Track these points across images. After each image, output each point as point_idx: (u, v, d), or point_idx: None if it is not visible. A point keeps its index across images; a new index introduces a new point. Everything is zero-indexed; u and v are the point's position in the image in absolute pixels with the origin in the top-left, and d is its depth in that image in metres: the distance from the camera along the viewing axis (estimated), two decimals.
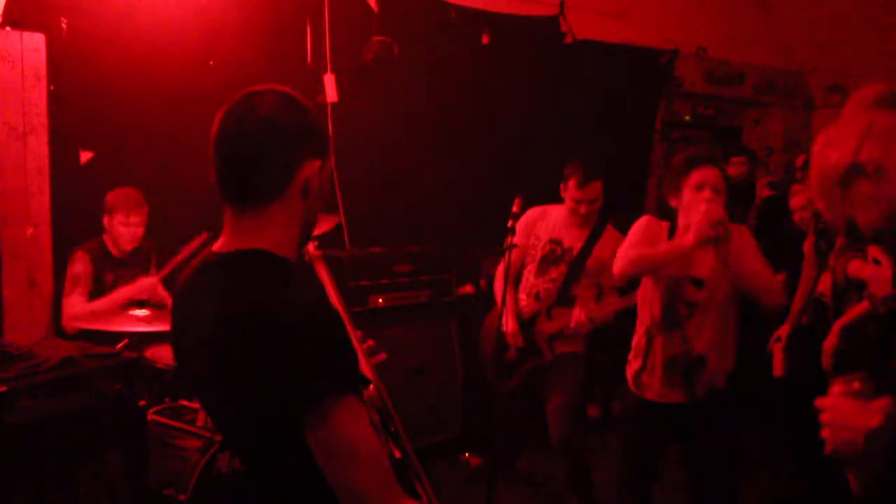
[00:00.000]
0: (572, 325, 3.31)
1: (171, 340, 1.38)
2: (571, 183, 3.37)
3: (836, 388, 1.20)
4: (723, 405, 2.65)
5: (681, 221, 2.59)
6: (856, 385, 1.19)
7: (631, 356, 2.77)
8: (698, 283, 2.56)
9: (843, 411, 1.18)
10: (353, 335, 1.75)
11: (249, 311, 1.14)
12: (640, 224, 2.69)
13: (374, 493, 1.14)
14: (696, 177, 2.50)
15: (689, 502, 2.78)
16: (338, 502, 1.16)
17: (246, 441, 1.29)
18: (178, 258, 3.34)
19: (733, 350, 2.66)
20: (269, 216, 1.22)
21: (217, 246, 1.28)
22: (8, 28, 3.37)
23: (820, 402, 1.22)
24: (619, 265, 2.60)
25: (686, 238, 2.45)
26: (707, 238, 2.38)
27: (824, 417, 1.20)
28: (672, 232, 2.64)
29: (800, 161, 4.92)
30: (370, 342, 1.80)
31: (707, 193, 2.48)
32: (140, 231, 3.43)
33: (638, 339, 2.74)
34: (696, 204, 2.46)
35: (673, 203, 2.62)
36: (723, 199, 2.49)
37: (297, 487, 1.26)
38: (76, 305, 3.29)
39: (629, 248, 2.62)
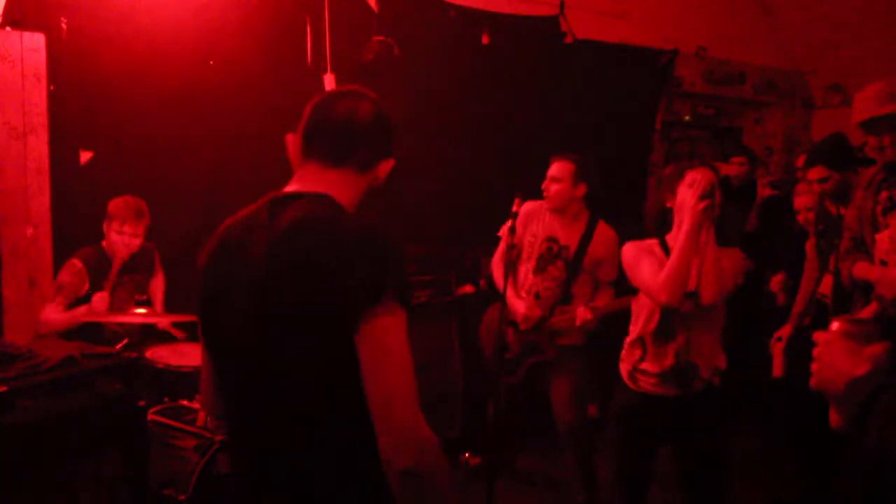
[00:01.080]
0: (578, 322, 3.35)
1: (206, 266, 1.50)
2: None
3: (834, 324, 1.20)
4: (717, 399, 2.71)
5: (676, 220, 2.65)
6: (854, 327, 1.19)
7: (624, 354, 2.79)
8: (689, 294, 2.56)
9: (834, 350, 1.18)
10: None
11: (329, 219, 1.38)
12: (630, 250, 2.71)
13: (407, 394, 1.34)
14: (689, 177, 2.58)
15: (682, 494, 2.81)
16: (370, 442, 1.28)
17: (290, 364, 1.36)
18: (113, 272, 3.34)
19: (722, 350, 2.72)
20: (351, 181, 1.51)
21: (288, 189, 1.49)
22: (8, 28, 3.38)
23: (816, 335, 1.22)
24: (664, 297, 2.51)
25: (685, 223, 2.49)
26: (704, 210, 2.44)
27: (815, 352, 1.21)
28: (664, 248, 2.67)
29: (800, 161, 4.91)
30: None
31: (699, 190, 2.53)
32: (136, 242, 3.38)
33: (631, 344, 2.76)
34: (690, 199, 2.52)
35: (669, 204, 2.68)
36: (717, 199, 2.54)
37: (333, 418, 1.37)
38: (52, 312, 3.26)
39: (654, 274, 2.57)
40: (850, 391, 1.14)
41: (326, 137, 1.50)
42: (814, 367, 1.20)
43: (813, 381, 1.20)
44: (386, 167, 1.57)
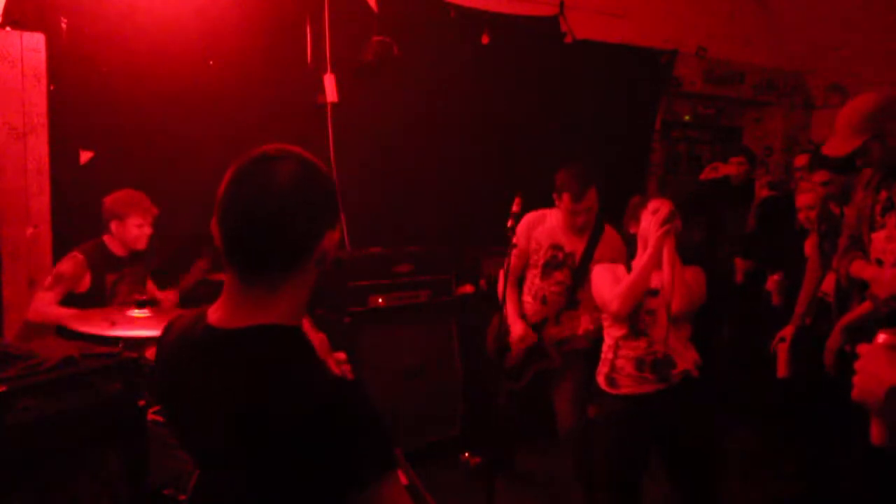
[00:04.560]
0: (580, 332, 3.33)
1: (168, 415, 1.30)
2: (566, 196, 3.37)
3: (880, 336, 1.19)
4: (698, 392, 2.79)
5: (640, 245, 2.84)
6: None
7: (600, 365, 2.90)
8: (653, 292, 2.76)
9: (877, 360, 1.17)
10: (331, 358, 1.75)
11: (286, 395, 1.09)
12: (598, 269, 2.95)
13: None
14: (652, 205, 2.81)
15: (671, 494, 2.85)
16: None
17: None
18: (190, 281, 3.52)
19: (693, 345, 2.83)
20: (285, 288, 1.18)
21: (217, 319, 1.20)
22: (8, 28, 3.38)
23: (860, 347, 1.21)
24: (615, 305, 2.76)
25: (649, 244, 2.73)
26: (665, 233, 2.69)
27: (858, 364, 1.20)
28: (631, 257, 2.88)
29: (798, 161, 4.91)
30: (341, 354, 1.80)
31: (661, 216, 2.75)
32: (150, 231, 3.44)
33: (606, 351, 2.88)
34: (653, 224, 2.75)
35: (632, 230, 2.88)
36: (679, 226, 2.77)
37: None
38: (45, 303, 3.21)
39: (611, 287, 2.80)
40: (891, 399, 1.12)
41: (236, 249, 1.17)
42: (855, 379, 1.19)
43: (854, 393, 1.19)
44: (331, 241, 1.21)
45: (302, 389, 1.09)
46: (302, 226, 1.17)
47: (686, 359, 2.75)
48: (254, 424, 1.10)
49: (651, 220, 2.75)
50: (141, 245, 3.43)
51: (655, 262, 2.71)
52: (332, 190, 1.22)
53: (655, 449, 2.85)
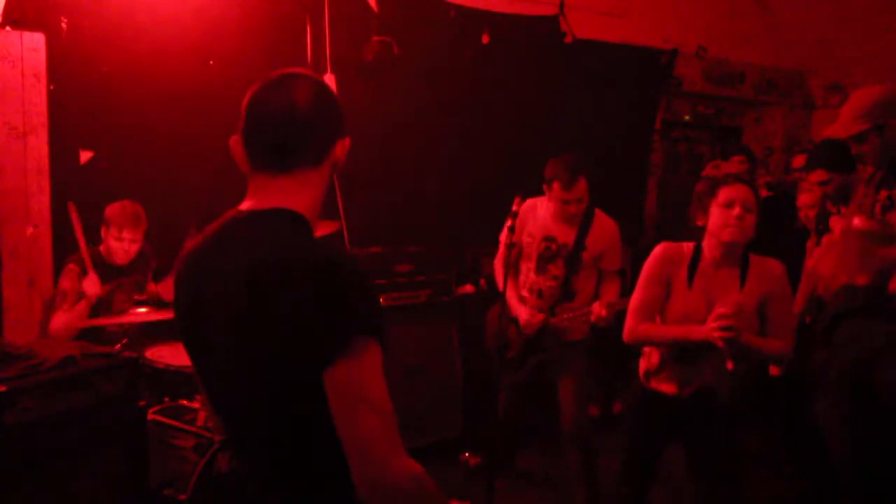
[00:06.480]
0: (593, 318, 3.29)
1: (180, 297, 1.42)
2: (556, 185, 3.35)
3: (855, 220, 1.17)
4: (731, 403, 2.65)
5: (706, 243, 2.54)
6: (876, 226, 1.15)
7: (646, 351, 2.71)
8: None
9: (849, 247, 1.17)
10: None
11: (289, 255, 1.26)
12: (656, 256, 2.59)
13: (381, 439, 1.20)
14: (724, 195, 2.45)
15: (695, 496, 2.76)
16: (343, 471, 1.20)
17: (261, 400, 1.31)
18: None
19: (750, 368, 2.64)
20: (307, 182, 1.37)
21: (246, 205, 1.37)
22: (8, 28, 3.38)
23: (833, 220, 1.19)
24: (627, 334, 2.56)
25: (695, 333, 2.42)
26: (714, 340, 2.35)
27: (827, 238, 1.19)
28: (696, 253, 2.56)
29: (797, 161, 4.91)
30: None
31: (737, 210, 2.41)
32: (134, 247, 3.38)
33: (652, 353, 2.69)
34: (726, 221, 2.42)
35: (700, 223, 2.56)
36: (754, 219, 2.44)
37: (308, 456, 1.30)
38: (57, 321, 3.25)
39: (639, 306, 2.54)
40: (839, 294, 1.10)
41: (267, 145, 1.36)
42: (817, 251, 1.17)
43: (809, 265, 1.18)
44: (343, 148, 1.40)
45: (301, 252, 1.27)
46: (324, 130, 1.38)
47: (733, 384, 2.55)
48: (258, 282, 1.25)
49: (723, 217, 2.39)
50: (118, 259, 3.39)
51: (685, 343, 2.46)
52: (340, 104, 1.43)
53: (676, 456, 2.77)
